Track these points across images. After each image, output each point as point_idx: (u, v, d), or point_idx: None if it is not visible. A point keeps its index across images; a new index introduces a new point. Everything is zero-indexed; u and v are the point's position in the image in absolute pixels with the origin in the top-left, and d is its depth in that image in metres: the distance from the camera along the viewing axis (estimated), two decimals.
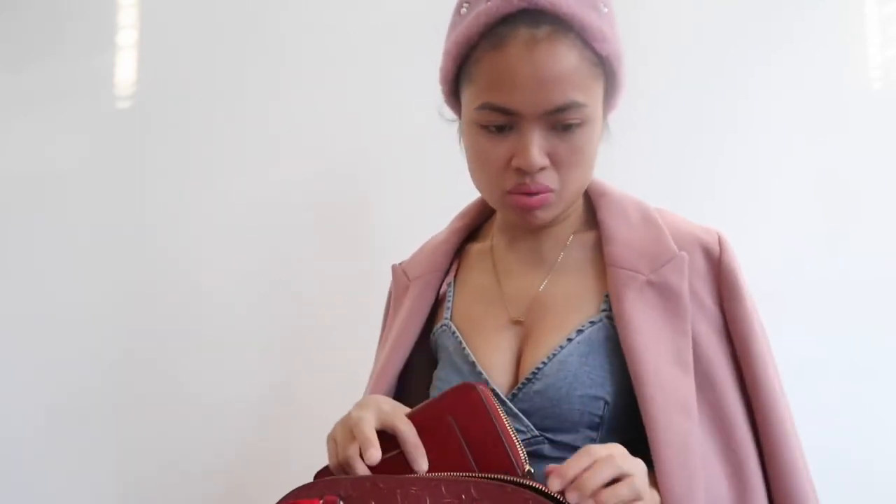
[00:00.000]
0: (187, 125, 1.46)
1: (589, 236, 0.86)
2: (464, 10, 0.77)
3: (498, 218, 0.92)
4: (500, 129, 0.75)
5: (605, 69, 0.77)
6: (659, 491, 0.68)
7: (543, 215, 0.78)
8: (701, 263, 0.81)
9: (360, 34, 1.42)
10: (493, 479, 0.63)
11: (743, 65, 1.28)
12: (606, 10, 0.76)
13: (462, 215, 0.96)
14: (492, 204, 0.83)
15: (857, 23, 1.26)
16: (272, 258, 1.42)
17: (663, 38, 1.31)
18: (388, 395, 0.84)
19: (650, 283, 0.78)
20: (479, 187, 0.83)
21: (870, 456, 1.18)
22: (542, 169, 0.75)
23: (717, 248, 0.81)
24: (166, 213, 1.45)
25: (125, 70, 1.48)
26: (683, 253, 0.80)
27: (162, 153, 1.47)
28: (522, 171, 0.75)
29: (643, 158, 1.27)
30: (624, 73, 0.79)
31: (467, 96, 0.78)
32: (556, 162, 0.75)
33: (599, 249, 0.83)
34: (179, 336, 1.42)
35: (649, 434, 0.71)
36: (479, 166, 0.79)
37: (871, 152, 1.24)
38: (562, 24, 0.72)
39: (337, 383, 1.34)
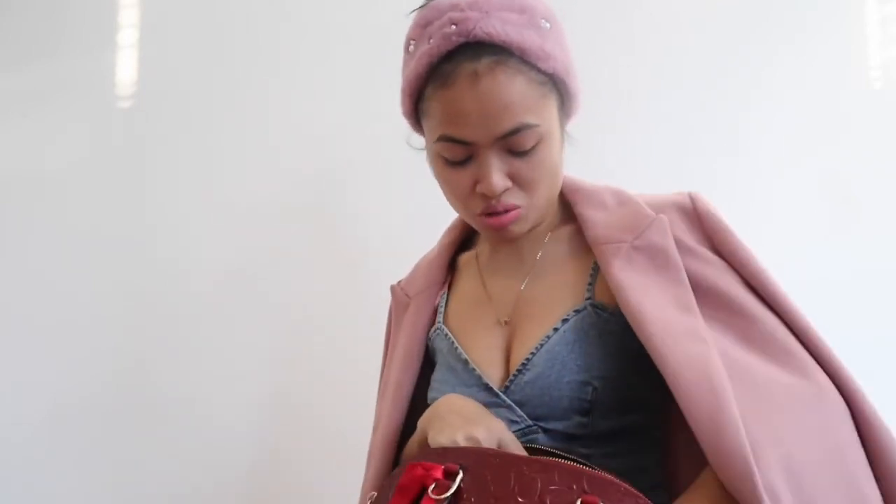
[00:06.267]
0: (187, 125, 1.46)
1: (565, 230, 0.88)
2: (411, 48, 0.80)
3: None
4: (460, 158, 0.77)
5: (556, 84, 0.78)
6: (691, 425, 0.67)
7: (517, 229, 0.80)
8: (680, 219, 0.83)
9: (361, 33, 1.42)
10: (608, 476, 0.63)
11: (743, 65, 1.28)
12: (549, 25, 0.77)
13: (451, 229, 0.99)
14: (467, 221, 0.86)
15: (857, 23, 1.27)
16: (272, 258, 1.42)
17: (663, 39, 1.31)
18: (403, 412, 0.87)
19: (635, 248, 0.79)
20: (453, 208, 0.85)
21: None
22: (506, 190, 0.77)
23: (689, 202, 0.84)
24: (166, 213, 1.45)
25: (126, 69, 1.48)
26: (662, 215, 0.81)
27: (162, 153, 1.47)
28: (487, 196, 0.77)
29: (644, 159, 1.27)
30: (576, 83, 0.81)
31: (426, 130, 0.81)
32: (518, 182, 0.77)
33: (577, 240, 0.86)
34: (178, 337, 1.42)
35: (661, 369, 0.70)
36: (448, 193, 0.82)
37: (871, 152, 1.24)
38: (501, 53, 0.73)
39: (337, 388, 1.34)
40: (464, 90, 0.73)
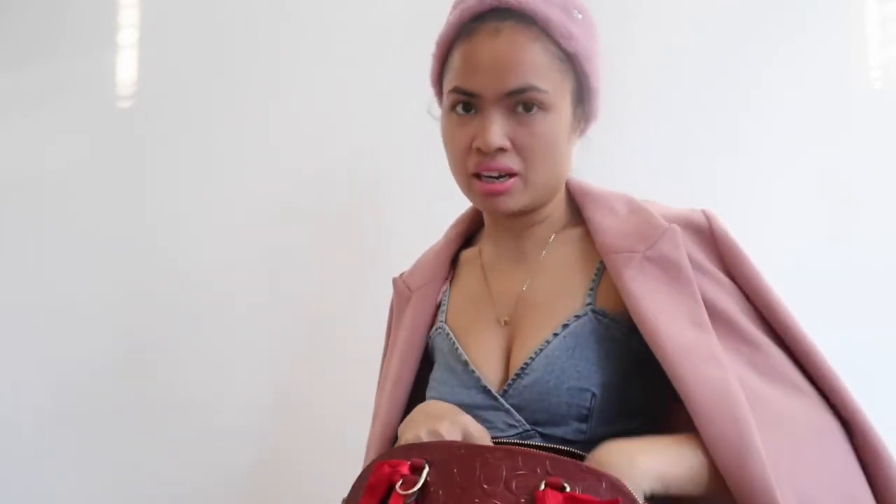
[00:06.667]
0: (187, 125, 1.46)
1: (572, 233, 0.87)
2: (450, 17, 0.83)
3: (486, 223, 0.94)
4: (467, 111, 0.79)
5: (574, 67, 0.80)
6: (704, 446, 0.67)
7: (509, 201, 0.80)
8: (692, 236, 0.82)
9: (361, 33, 1.42)
10: (571, 456, 0.64)
11: (743, 65, 1.28)
12: (581, 16, 0.81)
13: (456, 224, 0.99)
14: (463, 191, 0.85)
15: (857, 23, 1.27)
16: (273, 259, 1.42)
17: (663, 39, 1.31)
18: (401, 406, 0.87)
19: (648, 259, 0.79)
20: (452, 173, 0.85)
21: None
22: (503, 151, 0.78)
23: (704, 221, 0.83)
24: (166, 213, 1.45)
25: (126, 70, 1.48)
26: (674, 225, 0.81)
27: (162, 153, 1.47)
28: (483, 152, 0.78)
29: (644, 159, 1.27)
30: (597, 77, 0.83)
31: (444, 87, 0.83)
32: (517, 146, 0.78)
33: (583, 244, 0.85)
34: (178, 337, 1.42)
35: (680, 392, 0.70)
36: (449, 151, 0.83)
37: (871, 152, 1.24)
38: (526, 19, 0.77)
39: (337, 388, 1.34)
40: (483, 42, 0.77)
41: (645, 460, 0.66)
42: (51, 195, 1.47)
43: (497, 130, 0.77)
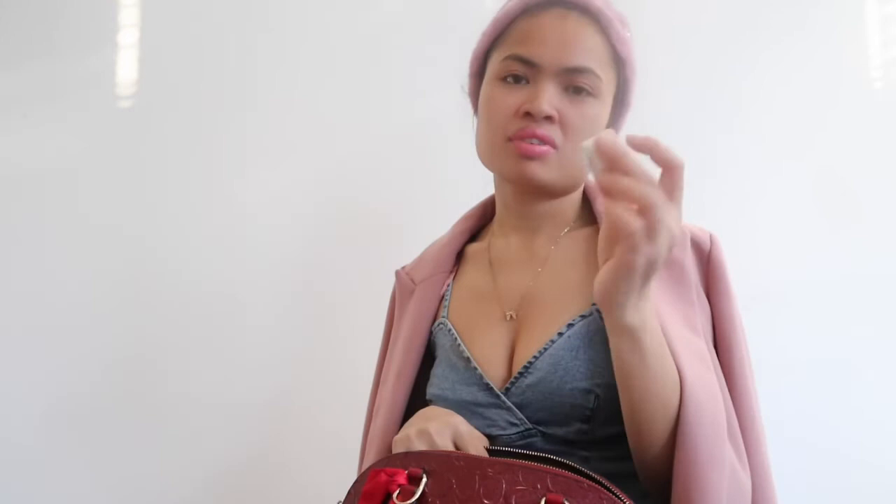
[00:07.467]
0: (188, 125, 1.46)
1: (583, 231, 0.88)
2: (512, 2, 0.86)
3: (496, 216, 0.94)
4: (518, 81, 0.81)
5: (619, 73, 0.84)
6: (679, 438, 0.66)
7: (540, 170, 0.80)
8: (693, 254, 0.84)
9: (361, 33, 1.42)
10: (572, 472, 0.63)
11: (743, 64, 1.28)
12: (628, 34, 0.85)
13: (466, 218, 0.98)
14: (491, 157, 0.85)
15: (857, 23, 1.27)
16: (272, 258, 1.42)
17: (661, 38, 1.31)
18: (404, 401, 0.86)
19: None
20: (482, 143, 0.86)
21: (866, 456, 1.18)
22: (550, 121, 0.79)
23: (707, 243, 0.85)
24: (166, 213, 1.45)
25: (126, 69, 1.48)
26: (687, 231, 0.83)
27: (162, 153, 1.47)
28: (530, 117, 0.79)
29: (643, 158, 1.27)
30: (633, 91, 0.86)
31: (494, 59, 0.85)
32: (563, 121, 0.80)
33: (593, 242, 0.85)
34: (178, 337, 1.42)
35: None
36: (489, 116, 0.84)
37: (870, 152, 1.24)
38: (590, 16, 0.81)
39: (336, 388, 1.34)
40: (551, 20, 0.80)
41: (650, 315, 0.65)
42: (51, 195, 1.47)
43: (550, 99, 0.79)
